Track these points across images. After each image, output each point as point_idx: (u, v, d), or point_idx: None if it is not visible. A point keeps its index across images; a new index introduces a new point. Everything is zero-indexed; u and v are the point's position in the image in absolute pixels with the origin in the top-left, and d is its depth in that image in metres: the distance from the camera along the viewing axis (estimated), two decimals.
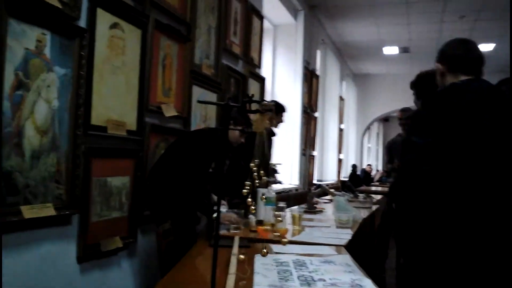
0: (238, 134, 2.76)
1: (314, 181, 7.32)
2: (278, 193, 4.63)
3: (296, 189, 6.05)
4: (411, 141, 1.83)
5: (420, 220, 1.78)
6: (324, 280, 1.48)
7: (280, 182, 4.28)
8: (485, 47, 7.96)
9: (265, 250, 1.28)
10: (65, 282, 2.23)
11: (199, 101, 2.03)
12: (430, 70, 2.48)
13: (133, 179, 2.75)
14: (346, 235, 2.50)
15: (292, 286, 1.42)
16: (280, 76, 6.16)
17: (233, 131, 2.77)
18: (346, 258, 1.88)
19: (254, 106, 1.67)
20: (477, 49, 1.93)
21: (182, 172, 2.58)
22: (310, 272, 1.60)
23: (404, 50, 8.84)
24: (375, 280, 1.52)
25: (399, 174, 1.92)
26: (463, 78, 1.87)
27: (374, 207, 4.31)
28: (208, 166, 2.83)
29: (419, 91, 2.74)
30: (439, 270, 1.71)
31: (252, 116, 1.33)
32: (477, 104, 1.77)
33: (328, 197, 4.93)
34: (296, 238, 2.41)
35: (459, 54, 1.91)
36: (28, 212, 2.00)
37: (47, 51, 2.10)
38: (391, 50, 8.98)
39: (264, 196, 1.94)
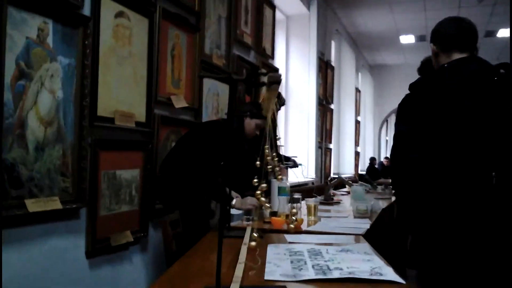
0: (253, 126, 2.73)
1: (331, 175, 7.19)
2: (294, 186, 4.52)
3: (313, 183, 5.93)
4: (397, 129, 1.77)
5: (417, 207, 1.77)
6: (341, 269, 1.38)
7: (300, 164, 4.16)
8: (505, 32, 7.71)
9: (255, 234, 1.18)
10: (74, 278, 2.17)
11: (200, 76, 1.93)
12: None
13: (143, 172, 2.68)
14: (364, 225, 2.39)
15: (306, 275, 1.33)
16: (294, 67, 6.04)
17: (248, 123, 2.74)
18: (365, 246, 1.78)
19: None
20: (470, 26, 1.86)
21: (195, 164, 2.50)
22: (326, 261, 1.50)
23: (420, 38, 8.62)
24: (396, 270, 1.41)
25: (391, 165, 1.87)
26: (457, 56, 1.81)
27: (394, 198, 4.18)
28: (220, 158, 2.75)
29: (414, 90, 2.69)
30: (441, 255, 1.71)
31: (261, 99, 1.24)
32: (462, 88, 1.71)
33: (346, 189, 4.81)
34: (312, 228, 2.31)
35: (450, 32, 1.85)
36: (33, 205, 1.94)
37: (49, 40, 2.04)
38: (407, 39, 8.77)
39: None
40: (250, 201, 2.47)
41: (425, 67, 2.70)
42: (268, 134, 1.25)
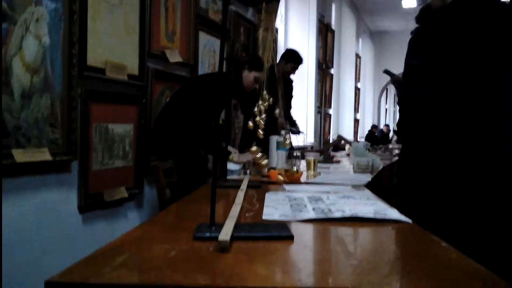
0: (252, 79, 2.63)
1: (331, 140, 7.11)
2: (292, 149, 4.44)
3: (311, 147, 5.86)
4: (409, 64, 1.67)
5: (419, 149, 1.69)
6: (343, 211, 1.30)
7: (301, 132, 4.11)
8: None
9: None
10: (66, 232, 2.11)
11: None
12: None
13: (137, 127, 2.59)
14: (365, 178, 2.32)
15: (306, 216, 1.25)
16: (293, 28, 5.88)
17: (247, 76, 2.63)
18: (367, 193, 1.70)
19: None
20: None
21: (191, 118, 2.41)
22: (327, 205, 1.43)
23: (423, 1, 8.40)
24: None
25: (399, 106, 1.77)
26: None
27: (395, 159, 4.11)
28: (218, 112, 2.67)
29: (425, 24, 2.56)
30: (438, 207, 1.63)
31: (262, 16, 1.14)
32: (477, 18, 1.62)
33: (345, 152, 4.74)
34: (311, 181, 2.24)
35: None
36: (21, 155, 1.85)
37: None
38: (409, 2, 8.55)
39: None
40: (248, 155, 2.40)
41: (424, 15, 2.57)
42: (270, 46, 1.15)
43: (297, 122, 4.30)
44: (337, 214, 1.26)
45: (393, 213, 1.29)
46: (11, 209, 1.82)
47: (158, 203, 1.92)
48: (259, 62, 2.57)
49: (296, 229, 1.11)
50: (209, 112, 2.48)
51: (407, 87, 1.72)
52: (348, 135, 8.45)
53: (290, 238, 1.00)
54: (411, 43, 1.76)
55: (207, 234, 0.98)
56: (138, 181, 2.60)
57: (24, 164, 1.85)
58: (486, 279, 0.75)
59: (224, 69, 3.00)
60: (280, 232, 1.02)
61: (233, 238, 0.95)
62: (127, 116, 2.52)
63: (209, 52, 3.39)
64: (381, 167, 2.91)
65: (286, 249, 0.95)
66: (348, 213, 1.28)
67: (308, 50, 5.89)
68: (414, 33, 1.77)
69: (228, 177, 2.32)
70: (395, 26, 10.58)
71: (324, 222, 1.21)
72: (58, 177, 2.07)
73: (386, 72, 3.53)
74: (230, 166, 2.47)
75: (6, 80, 1.80)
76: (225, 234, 0.91)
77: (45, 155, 1.96)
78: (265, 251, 0.92)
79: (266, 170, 2.51)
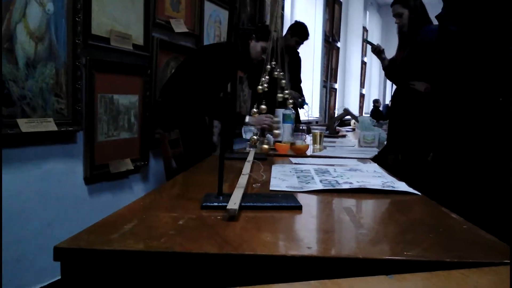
0: (259, 49, 2.58)
1: (335, 115, 7.07)
2: (299, 122, 4.41)
3: (316, 122, 5.83)
4: (446, 29, 1.62)
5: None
6: (351, 183, 1.29)
7: (306, 104, 4.07)
8: None
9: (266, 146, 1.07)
10: (72, 203, 2.11)
11: None
12: None
13: (142, 99, 2.57)
14: (372, 152, 2.31)
15: (314, 187, 1.24)
16: (300, 0, 5.77)
17: (254, 46, 2.59)
18: (374, 166, 1.69)
19: None
20: None
21: (197, 88, 2.38)
22: (334, 177, 1.42)
23: None
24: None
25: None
26: None
27: None
28: (224, 83, 2.63)
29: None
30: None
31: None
32: None
33: (351, 126, 4.71)
34: (317, 154, 2.23)
35: None
36: (26, 125, 1.84)
37: None
38: None
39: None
40: (261, 121, 2.37)
41: None
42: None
43: (304, 95, 4.25)
44: (345, 186, 1.25)
45: (401, 185, 1.28)
46: (17, 179, 1.82)
47: (165, 173, 1.91)
48: (266, 31, 2.52)
49: (304, 200, 1.10)
50: (214, 84, 2.45)
51: (442, 55, 1.68)
52: (354, 110, 8.39)
53: (298, 208, 0.99)
54: (447, 6, 1.71)
55: (215, 203, 0.97)
56: (143, 153, 2.60)
57: (30, 134, 1.84)
58: (499, 249, 0.75)
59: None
60: (288, 202, 1.01)
61: (241, 207, 0.95)
62: (132, 87, 2.50)
63: (214, 22, 3.34)
64: (386, 141, 2.89)
65: (294, 218, 0.95)
66: (356, 184, 1.27)
67: (314, 23, 5.80)
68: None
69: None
70: None
71: (332, 193, 1.20)
72: (63, 147, 2.06)
73: (367, 42, 3.55)
74: (247, 131, 2.44)
75: (10, 47, 1.78)
76: (233, 203, 0.90)
77: (50, 125, 1.95)
78: (273, 220, 0.92)
79: (272, 141, 2.49)
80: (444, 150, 1.73)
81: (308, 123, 5.42)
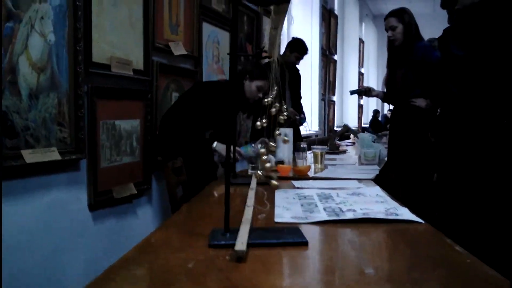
0: (254, 88, 2.53)
1: (335, 127, 7.10)
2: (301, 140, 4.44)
3: (316, 135, 5.85)
4: (451, 53, 1.64)
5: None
6: (355, 211, 1.31)
7: (305, 121, 4.11)
8: None
9: (275, 182, 1.09)
10: (77, 230, 2.12)
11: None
12: None
13: (143, 123, 2.59)
14: (373, 171, 2.32)
15: (319, 217, 1.26)
16: (297, 15, 5.82)
17: (248, 86, 2.54)
18: (377, 189, 1.71)
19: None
20: None
21: (194, 125, 2.40)
22: (337, 203, 1.43)
23: None
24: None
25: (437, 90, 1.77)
26: None
27: None
28: (220, 121, 2.62)
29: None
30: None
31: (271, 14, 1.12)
32: None
33: (351, 140, 4.73)
34: (319, 175, 2.24)
35: None
36: (31, 156, 1.85)
37: None
38: None
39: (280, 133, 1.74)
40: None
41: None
42: (274, 71, 1.13)
43: (305, 112, 4.28)
44: (349, 215, 1.27)
45: (405, 213, 1.29)
46: (21, 210, 1.83)
47: (169, 203, 1.92)
48: (261, 70, 2.49)
49: (309, 232, 1.11)
50: (210, 122, 2.47)
51: (444, 77, 1.71)
52: (353, 121, 8.43)
53: (305, 244, 1.00)
54: (452, 31, 1.74)
55: (223, 242, 0.98)
56: (146, 176, 2.61)
57: (34, 165, 1.86)
58: (499, 286, 0.76)
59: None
60: (294, 238, 1.02)
61: (249, 245, 0.96)
62: (133, 111, 2.52)
63: (213, 43, 3.37)
64: (387, 158, 2.91)
65: (301, 256, 0.96)
66: (359, 213, 1.28)
67: (311, 38, 5.84)
68: (454, 20, 1.75)
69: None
70: None
71: (336, 224, 1.21)
72: (67, 176, 2.07)
73: (352, 92, 3.60)
74: (246, 152, 2.46)
75: (13, 79, 1.80)
76: (241, 243, 0.91)
77: (54, 155, 1.96)
78: (281, 259, 0.93)
79: (273, 162, 2.51)
80: (449, 171, 1.74)
81: (308, 137, 5.45)
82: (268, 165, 1.08)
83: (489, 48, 1.63)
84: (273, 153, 2.48)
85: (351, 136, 4.61)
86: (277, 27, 1.14)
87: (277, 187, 1.06)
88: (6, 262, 1.73)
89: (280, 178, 2.10)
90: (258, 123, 1.57)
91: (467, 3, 1.77)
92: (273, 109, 1.13)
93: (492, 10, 1.68)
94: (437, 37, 3.02)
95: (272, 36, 1.25)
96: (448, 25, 1.93)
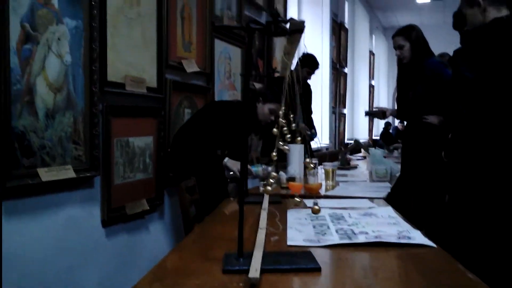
0: (267, 111, 2.56)
1: (346, 140, 7.09)
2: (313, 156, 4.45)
3: (327, 148, 5.85)
4: (461, 75, 1.66)
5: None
6: (367, 233, 1.32)
7: (315, 136, 4.12)
8: None
9: (317, 207, 1.12)
10: (90, 247, 2.15)
11: (216, 27, 1.84)
12: None
13: (157, 139, 2.62)
14: (384, 188, 2.33)
15: (331, 240, 1.27)
16: (307, 29, 5.83)
17: (261, 109, 2.57)
18: (389, 209, 1.71)
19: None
20: None
21: (206, 144, 2.43)
22: (349, 225, 1.44)
23: None
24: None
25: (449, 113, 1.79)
26: (505, 11, 1.76)
27: None
28: (232, 141, 2.64)
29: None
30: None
31: (285, 46, 1.15)
32: None
33: (361, 154, 4.73)
34: (330, 193, 2.25)
35: None
36: (46, 174, 1.89)
37: (54, 1, 1.95)
38: None
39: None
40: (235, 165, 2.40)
41: (459, 21, 2.54)
42: (288, 89, 1.15)
43: (315, 127, 4.30)
44: (361, 238, 1.28)
45: (417, 236, 1.30)
46: (37, 227, 1.87)
47: (182, 221, 1.94)
48: (274, 93, 2.51)
49: (322, 257, 1.12)
50: (224, 142, 2.49)
51: (455, 98, 1.73)
52: (363, 134, 8.42)
53: (317, 270, 1.02)
54: (462, 52, 1.76)
55: (236, 267, 1.00)
56: (158, 192, 2.63)
57: (49, 183, 1.89)
58: None
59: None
60: (307, 264, 1.03)
61: (262, 271, 0.97)
62: (146, 129, 2.55)
63: (225, 59, 3.41)
64: (398, 174, 2.91)
65: (314, 283, 0.97)
66: (371, 236, 1.29)
67: (322, 51, 5.87)
68: (463, 43, 1.78)
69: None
70: (409, 21, 10.41)
71: (348, 247, 1.22)
72: (81, 193, 2.11)
73: (367, 114, 3.65)
74: (257, 172, 2.49)
75: (31, 99, 1.84)
76: (255, 269, 0.93)
77: (69, 173, 1.99)
78: (294, 286, 0.94)
79: (285, 179, 2.52)
80: (459, 193, 1.75)
81: (319, 150, 5.46)
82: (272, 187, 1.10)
83: (498, 70, 1.64)
84: (284, 170, 2.49)
85: (362, 150, 4.61)
86: (289, 53, 1.16)
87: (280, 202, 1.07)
88: (22, 278, 1.77)
89: (292, 197, 2.11)
90: (275, 129, 1.59)
91: (476, 24, 1.79)
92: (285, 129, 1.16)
93: (501, 31, 1.70)
94: (447, 49, 3.02)
95: (285, 62, 1.27)
96: (460, 46, 1.96)
